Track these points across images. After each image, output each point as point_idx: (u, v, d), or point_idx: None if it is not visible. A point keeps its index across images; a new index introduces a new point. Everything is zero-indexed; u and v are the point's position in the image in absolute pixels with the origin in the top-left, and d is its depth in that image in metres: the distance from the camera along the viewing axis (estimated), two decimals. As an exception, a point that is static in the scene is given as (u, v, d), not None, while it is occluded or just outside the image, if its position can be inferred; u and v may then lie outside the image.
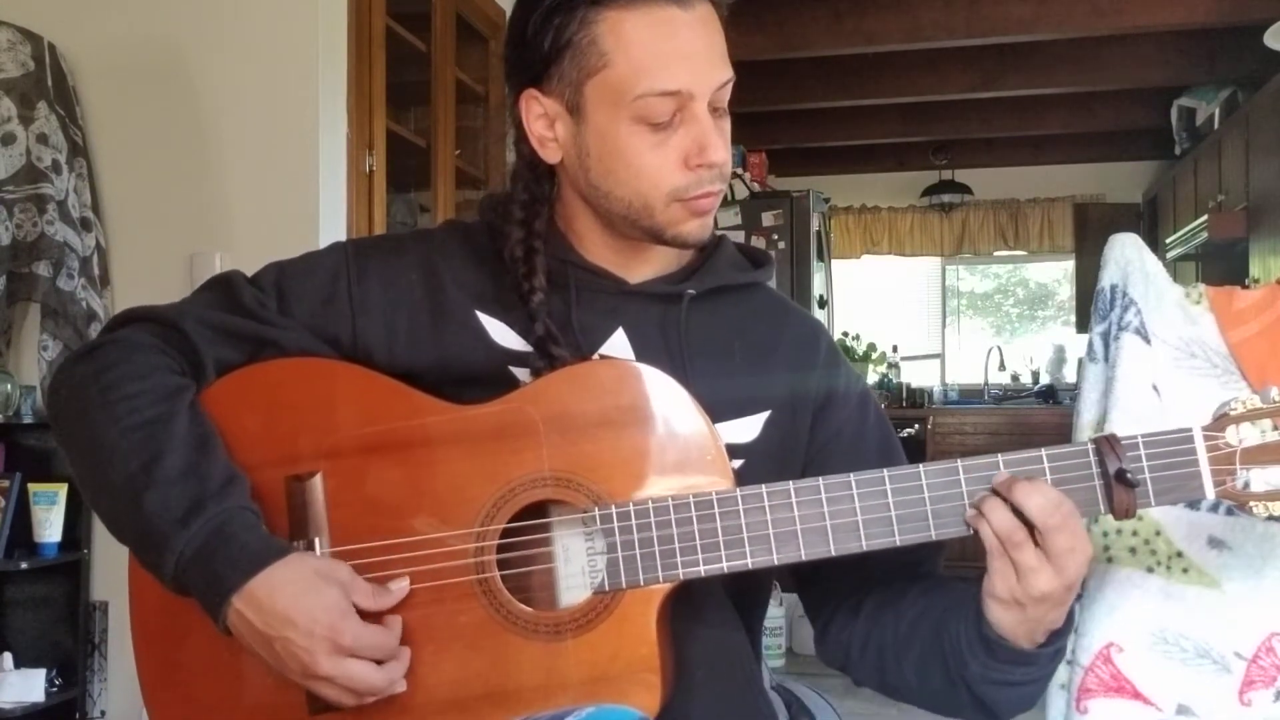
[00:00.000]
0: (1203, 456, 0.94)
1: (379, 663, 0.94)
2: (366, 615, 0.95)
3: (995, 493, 0.93)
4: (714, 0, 1.03)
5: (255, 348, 1.06)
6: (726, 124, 1.05)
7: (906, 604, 1.06)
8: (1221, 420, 0.94)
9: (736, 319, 1.13)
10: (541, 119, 1.05)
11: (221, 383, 1.05)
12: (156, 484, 0.95)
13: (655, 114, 1.00)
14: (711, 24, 1.02)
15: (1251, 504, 0.93)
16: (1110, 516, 0.95)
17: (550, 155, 1.07)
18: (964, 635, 0.98)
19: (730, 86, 1.03)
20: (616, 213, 1.05)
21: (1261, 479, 0.93)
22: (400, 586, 0.97)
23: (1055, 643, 0.97)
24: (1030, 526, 0.91)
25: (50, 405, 1.06)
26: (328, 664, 0.92)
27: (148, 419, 0.98)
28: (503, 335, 1.07)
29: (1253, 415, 0.93)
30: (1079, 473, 0.94)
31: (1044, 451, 0.95)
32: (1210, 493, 0.94)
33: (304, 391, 1.04)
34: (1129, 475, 0.92)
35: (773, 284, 1.20)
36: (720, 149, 1.02)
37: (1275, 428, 0.93)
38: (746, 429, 1.08)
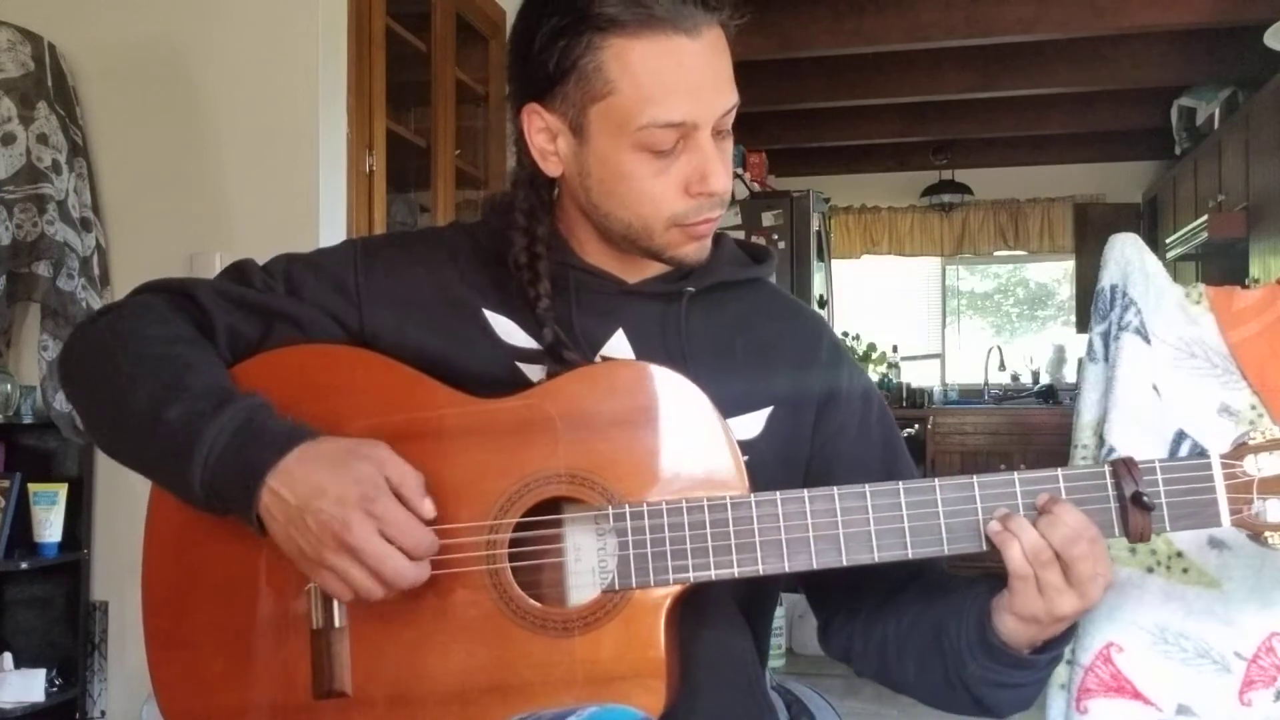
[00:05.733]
0: (1220, 484, 0.93)
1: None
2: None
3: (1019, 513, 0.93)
4: (722, 23, 1.01)
5: (266, 320, 1.07)
6: (728, 145, 1.04)
7: (906, 601, 1.07)
8: (1240, 449, 0.94)
9: (738, 315, 1.13)
10: (543, 133, 1.05)
11: (243, 366, 1.05)
12: (181, 397, 0.96)
13: (658, 143, 0.99)
14: (719, 49, 1.01)
15: (1267, 534, 0.93)
16: (1124, 539, 0.95)
17: (551, 169, 1.06)
18: (964, 637, 0.99)
19: (735, 111, 1.03)
20: (616, 231, 1.05)
21: (1278, 509, 0.93)
22: (430, 505, 0.94)
23: (1053, 650, 0.98)
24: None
25: (63, 362, 1.07)
26: (360, 529, 0.90)
27: (169, 353, 1.00)
28: (509, 333, 1.07)
29: (1272, 445, 0.93)
30: (1095, 494, 0.94)
31: (1060, 471, 0.94)
32: (1226, 521, 0.93)
33: (325, 378, 1.05)
34: (1145, 499, 0.92)
35: (773, 280, 1.20)
36: (721, 177, 1.01)
37: None
38: (750, 425, 1.08)
